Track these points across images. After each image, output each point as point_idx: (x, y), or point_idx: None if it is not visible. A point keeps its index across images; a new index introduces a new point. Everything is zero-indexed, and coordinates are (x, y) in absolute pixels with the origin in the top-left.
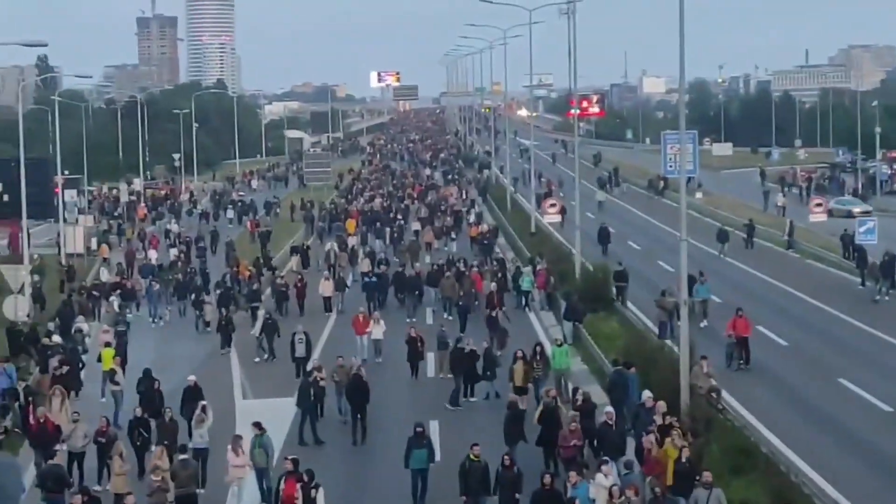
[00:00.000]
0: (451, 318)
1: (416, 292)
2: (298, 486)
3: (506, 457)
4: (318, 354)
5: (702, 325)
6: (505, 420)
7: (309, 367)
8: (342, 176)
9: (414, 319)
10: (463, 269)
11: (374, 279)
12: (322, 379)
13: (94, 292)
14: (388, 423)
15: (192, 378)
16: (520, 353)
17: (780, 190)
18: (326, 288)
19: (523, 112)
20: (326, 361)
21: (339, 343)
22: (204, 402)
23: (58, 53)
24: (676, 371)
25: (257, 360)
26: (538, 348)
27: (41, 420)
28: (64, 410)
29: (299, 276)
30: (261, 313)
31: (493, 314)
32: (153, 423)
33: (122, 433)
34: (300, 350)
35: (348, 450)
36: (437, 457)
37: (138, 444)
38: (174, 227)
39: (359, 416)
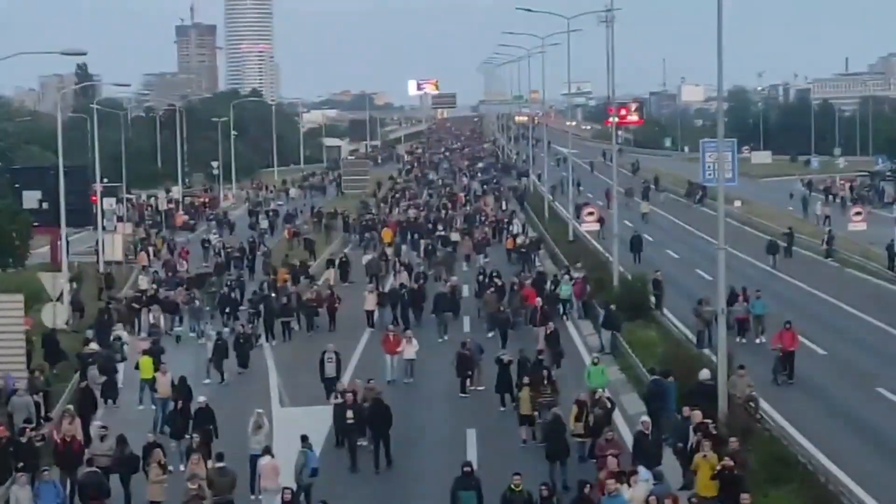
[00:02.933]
0: (491, 334)
1: (450, 309)
2: None
3: (543, 487)
4: (349, 375)
5: (757, 341)
6: (545, 436)
7: (339, 390)
8: (380, 184)
9: (446, 338)
10: (499, 282)
11: (403, 293)
12: (351, 402)
13: (134, 304)
14: (423, 446)
15: (202, 399)
16: (526, 380)
17: (825, 199)
18: (369, 302)
19: (572, 123)
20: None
21: (372, 363)
22: (260, 410)
23: (97, 62)
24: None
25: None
26: (545, 373)
27: (67, 439)
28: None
29: (329, 291)
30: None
31: (550, 331)
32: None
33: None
34: (329, 370)
35: (376, 479)
36: (475, 463)
37: (147, 469)
38: (213, 238)
39: (381, 442)
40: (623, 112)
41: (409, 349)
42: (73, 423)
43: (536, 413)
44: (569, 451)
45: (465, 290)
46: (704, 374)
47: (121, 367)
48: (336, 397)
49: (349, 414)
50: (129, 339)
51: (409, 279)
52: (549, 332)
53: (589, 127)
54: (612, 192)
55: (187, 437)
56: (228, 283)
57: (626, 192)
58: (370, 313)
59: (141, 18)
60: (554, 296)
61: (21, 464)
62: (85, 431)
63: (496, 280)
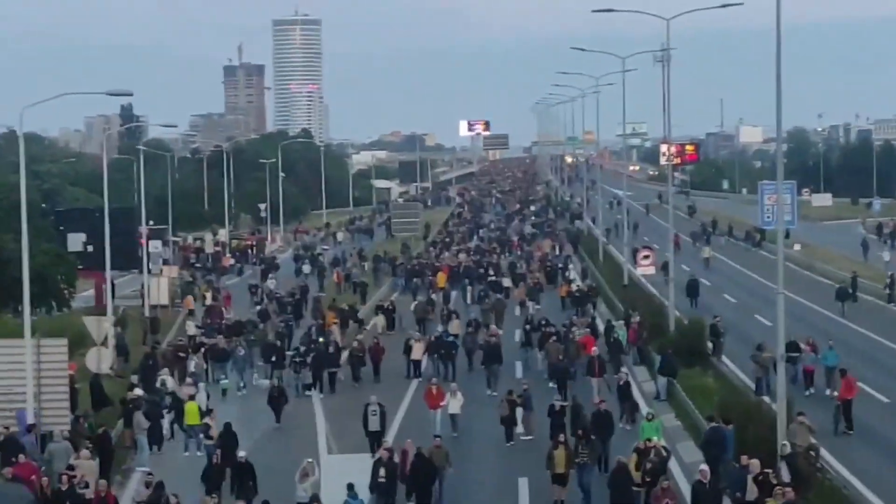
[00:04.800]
0: (553, 385)
1: (495, 361)
2: None
3: None
4: (395, 429)
5: (828, 392)
6: (610, 485)
7: (383, 446)
8: (428, 227)
9: (495, 393)
10: (550, 329)
11: (451, 339)
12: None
13: (180, 352)
14: (474, 498)
15: (242, 454)
16: (561, 438)
17: (892, 244)
18: (417, 350)
19: (636, 168)
20: (402, 438)
21: (419, 416)
22: (310, 460)
23: (144, 103)
24: (773, 428)
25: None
26: (581, 432)
27: (101, 494)
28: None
29: (375, 339)
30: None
31: (622, 382)
32: None
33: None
34: (373, 424)
35: None
36: None
37: None
38: (270, 282)
39: (422, 499)
40: (678, 152)
41: (454, 403)
42: (80, 457)
43: (572, 471)
44: (633, 502)
45: (516, 336)
46: (786, 449)
47: (166, 413)
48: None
49: (381, 472)
50: (174, 385)
51: (460, 327)
52: (620, 383)
53: (654, 172)
54: (671, 236)
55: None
56: (280, 328)
57: (691, 236)
58: (417, 363)
59: (188, 59)
60: (618, 344)
61: None
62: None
63: (550, 328)
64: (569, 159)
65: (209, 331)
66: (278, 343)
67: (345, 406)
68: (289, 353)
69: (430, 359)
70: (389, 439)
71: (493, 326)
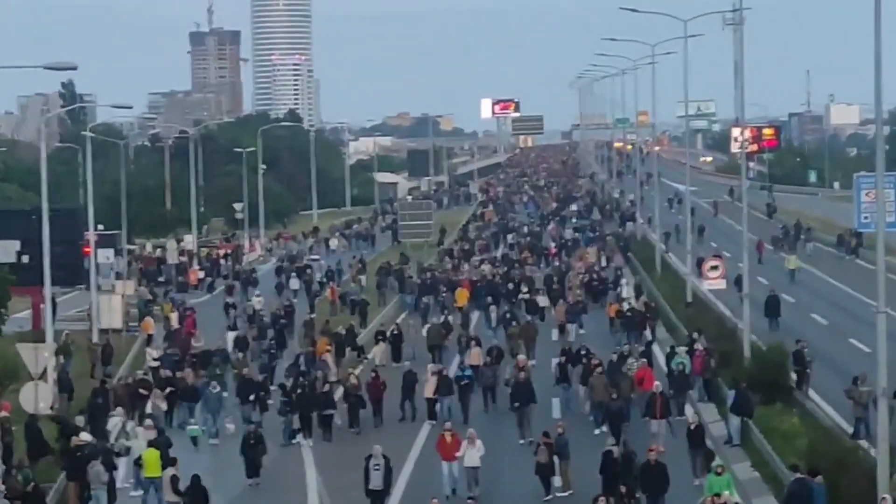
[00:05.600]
0: (603, 429)
1: (528, 401)
2: None
3: None
4: (403, 487)
5: None
6: None
7: None
8: (444, 231)
9: (531, 440)
10: (593, 360)
11: (468, 374)
12: None
13: (142, 389)
14: None
15: None
16: (602, 499)
17: None
18: (429, 387)
19: (709, 160)
20: (410, 496)
21: (432, 468)
22: None
23: (91, 78)
24: (873, 480)
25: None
26: (625, 489)
27: None
28: None
29: (373, 373)
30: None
31: (695, 426)
32: None
33: None
34: (376, 480)
35: None
36: None
37: None
38: (255, 301)
39: None
40: (754, 137)
41: (472, 453)
42: None
43: None
44: None
45: (553, 367)
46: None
47: (122, 462)
48: None
49: None
50: (133, 429)
51: (480, 357)
52: (691, 427)
53: (725, 160)
54: (747, 241)
55: None
56: (264, 359)
57: (772, 242)
58: (431, 402)
59: (146, 24)
60: (682, 377)
61: None
62: None
63: (593, 358)
64: (619, 146)
65: (169, 361)
66: (260, 378)
67: (340, 457)
68: (273, 388)
69: (439, 398)
70: (395, 499)
71: (521, 357)
